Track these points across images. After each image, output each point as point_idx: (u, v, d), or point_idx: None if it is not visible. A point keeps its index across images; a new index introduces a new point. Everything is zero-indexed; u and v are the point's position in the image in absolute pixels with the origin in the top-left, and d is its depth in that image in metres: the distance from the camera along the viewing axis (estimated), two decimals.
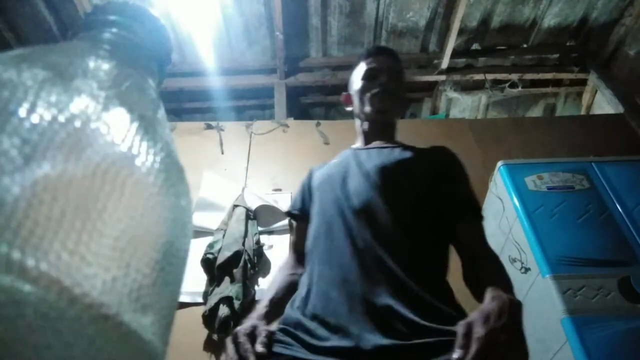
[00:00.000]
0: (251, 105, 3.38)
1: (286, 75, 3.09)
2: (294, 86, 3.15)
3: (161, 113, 0.31)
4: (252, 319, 0.80)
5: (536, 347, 1.52)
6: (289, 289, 0.90)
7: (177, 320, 0.26)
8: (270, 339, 0.74)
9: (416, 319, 0.68)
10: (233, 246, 1.80)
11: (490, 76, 3.08)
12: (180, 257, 0.26)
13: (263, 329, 0.75)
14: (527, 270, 1.58)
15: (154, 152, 0.25)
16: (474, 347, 0.56)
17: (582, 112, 3.12)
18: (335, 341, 0.69)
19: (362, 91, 1.05)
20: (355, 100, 1.08)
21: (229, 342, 0.74)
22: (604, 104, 2.91)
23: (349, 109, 1.14)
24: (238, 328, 0.76)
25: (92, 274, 0.18)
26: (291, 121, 2.70)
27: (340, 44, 3.03)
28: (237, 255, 1.78)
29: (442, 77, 3.09)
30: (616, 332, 1.31)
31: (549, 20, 2.89)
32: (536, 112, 3.39)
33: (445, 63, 2.99)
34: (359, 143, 1.08)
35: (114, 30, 0.35)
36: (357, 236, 0.80)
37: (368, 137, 1.06)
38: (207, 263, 1.80)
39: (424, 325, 0.67)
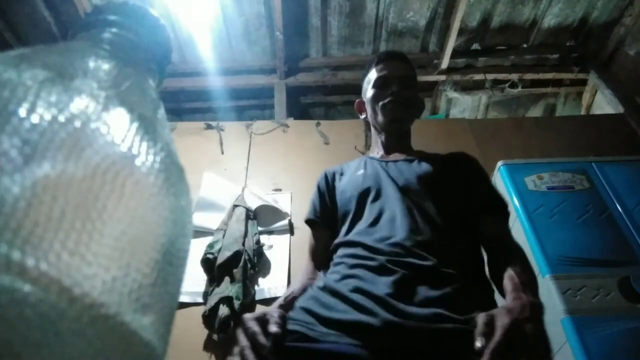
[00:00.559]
0: (251, 105, 3.38)
1: (286, 75, 3.09)
2: (294, 86, 3.15)
3: (161, 113, 0.31)
4: (264, 310, 0.76)
5: None
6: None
7: (177, 320, 0.26)
8: (284, 320, 0.71)
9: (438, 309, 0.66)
10: (233, 246, 1.80)
11: (490, 76, 3.08)
12: (180, 257, 0.26)
13: (274, 312, 0.72)
14: None
15: (154, 152, 0.25)
16: (497, 334, 0.54)
17: (582, 112, 3.12)
18: (347, 315, 0.68)
19: (374, 100, 1.04)
20: (368, 108, 1.07)
21: (239, 330, 0.69)
22: (604, 104, 2.91)
23: (362, 116, 1.13)
24: (246, 315, 0.72)
25: (92, 274, 0.18)
26: (291, 121, 2.70)
27: (340, 44, 3.03)
28: (237, 255, 1.78)
29: (442, 77, 3.09)
30: (616, 332, 1.31)
31: (549, 20, 2.89)
32: (536, 112, 3.39)
33: (445, 63, 2.99)
34: (380, 152, 1.06)
35: (114, 30, 0.35)
36: (392, 246, 0.78)
37: (387, 148, 1.05)
38: (207, 263, 1.80)
39: (441, 313, 0.66)
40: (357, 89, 1.18)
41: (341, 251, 0.86)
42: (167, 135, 0.28)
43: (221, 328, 1.64)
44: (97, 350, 0.18)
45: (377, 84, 1.04)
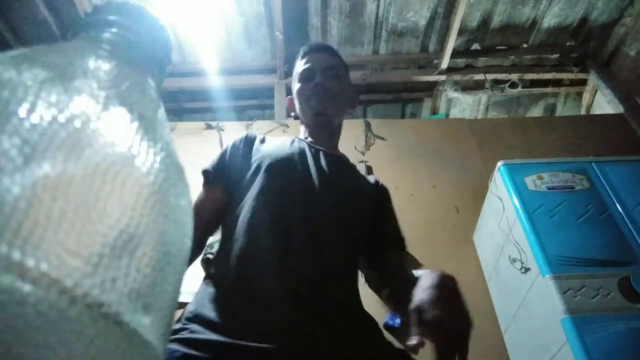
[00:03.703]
0: (251, 105, 3.38)
1: (286, 75, 3.09)
2: None
3: (161, 113, 0.31)
4: None
5: (536, 347, 1.52)
6: None
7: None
8: None
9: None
10: None
11: (490, 76, 3.08)
12: (180, 257, 0.26)
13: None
14: (527, 270, 1.58)
15: (154, 152, 0.25)
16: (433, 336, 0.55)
17: (582, 112, 3.12)
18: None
19: (299, 94, 1.00)
20: (296, 103, 1.03)
21: None
22: (604, 104, 2.91)
23: (292, 114, 1.08)
24: None
25: (92, 273, 0.18)
26: (291, 121, 2.70)
27: (340, 44, 3.03)
28: None
29: (442, 77, 3.09)
30: (616, 332, 1.31)
31: (549, 20, 2.89)
32: (536, 112, 3.39)
33: (445, 63, 2.99)
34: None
35: (114, 30, 0.35)
36: (292, 246, 0.74)
37: (314, 142, 0.99)
38: (207, 263, 1.80)
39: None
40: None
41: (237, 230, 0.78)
42: (167, 135, 0.28)
43: None
44: (97, 350, 0.18)
45: (302, 77, 1.01)
